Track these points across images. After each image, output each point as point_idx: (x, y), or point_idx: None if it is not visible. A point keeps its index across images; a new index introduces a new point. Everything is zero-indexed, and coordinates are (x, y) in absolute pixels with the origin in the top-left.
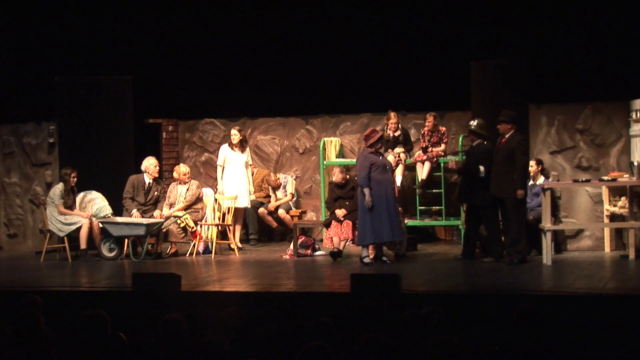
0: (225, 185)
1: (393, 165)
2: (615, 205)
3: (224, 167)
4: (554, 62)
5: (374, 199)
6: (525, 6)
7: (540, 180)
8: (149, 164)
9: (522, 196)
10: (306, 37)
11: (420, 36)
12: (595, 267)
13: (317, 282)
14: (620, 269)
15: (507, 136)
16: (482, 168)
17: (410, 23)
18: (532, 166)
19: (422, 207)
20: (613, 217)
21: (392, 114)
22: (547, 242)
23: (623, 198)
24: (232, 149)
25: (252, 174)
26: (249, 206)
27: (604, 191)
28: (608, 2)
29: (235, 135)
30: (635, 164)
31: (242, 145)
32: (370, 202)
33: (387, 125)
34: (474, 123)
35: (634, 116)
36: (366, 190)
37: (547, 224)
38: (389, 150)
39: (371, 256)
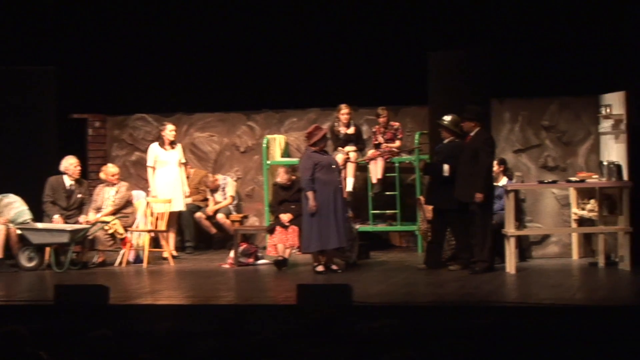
0: (157, 188)
1: (341, 164)
2: (583, 209)
3: (155, 168)
4: (518, 53)
5: (320, 202)
6: None
7: (503, 181)
8: (69, 164)
9: (481, 200)
10: (247, 23)
11: (373, 24)
12: (563, 275)
13: (260, 294)
14: (589, 277)
15: (472, 135)
16: (446, 167)
17: (362, 9)
18: (495, 166)
19: (375, 211)
20: (581, 221)
21: (344, 106)
22: (510, 249)
23: (592, 201)
24: (163, 147)
25: (188, 175)
26: (185, 210)
27: (572, 193)
28: None
29: (172, 131)
30: (605, 163)
31: (172, 142)
32: (314, 207)
33: (339, 119)
34: (447, 119)
35: (603, 112)
36: (309, 194)
37: (510, 229)
38: (339, 148)
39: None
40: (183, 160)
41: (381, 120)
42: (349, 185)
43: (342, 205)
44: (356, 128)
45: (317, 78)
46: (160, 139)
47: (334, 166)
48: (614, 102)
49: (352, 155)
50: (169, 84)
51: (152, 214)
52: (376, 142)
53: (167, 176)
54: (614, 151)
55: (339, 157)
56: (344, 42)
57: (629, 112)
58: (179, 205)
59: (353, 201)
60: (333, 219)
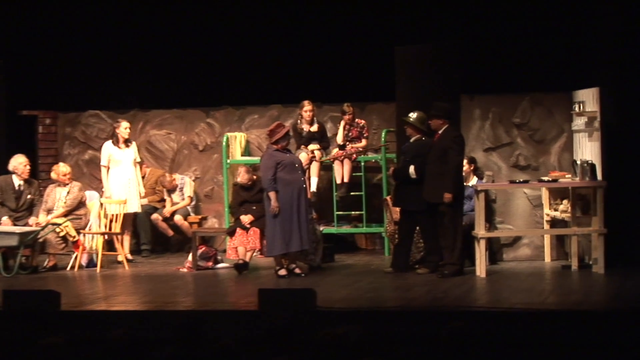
0: (112, 188)
1: (305, 164)
2: (556, 210)
3: (109, 168)
4: (489, 47)
5: (282, 203)
6: None
7: (473, 181)
8: (18, 163)
9: (450, 200)
10: (205, 15)
11: (338, 16)
12: (535, 279)
13: (220, 299)
14: (562, 281)
15: (440, 132)
16: (412, 168)
17: (326, 3)
18: (464, 165)
19: (340, 212)
20: (554, 222)
21: (307, 102)
22: (480, 252)
23: (565, 201)
24: (117, 145)
25: (144, 175)
26: (140, 211)
27: (544, 193)
28: None
29: (126, 128)
30: (579, 162)
31: (127, 141)
32: (277, 208)
33: (302, 116)
34: (413, 115)
35: (576, 109)
36: (272, 195)
37: (480, 230)
38: (302, 146)
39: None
40: (138, 159)
41: (347, 117)
42: (313, 186)
43: (305, 206)
44: (320, 125)
45: (279, 73)
46: (114, 137)
47: (297, 165)
48: (587, 99)
49: (316, 154)
50: (123, 79)
51: (105, 216)
52: (342, 143)
53: (122, 176)
54: (587, 150)
55: (302, 156)
56: (307, 35)
57: (602, 109)
58: (134, 207)
59: (317, 202)
60: (296, 220)
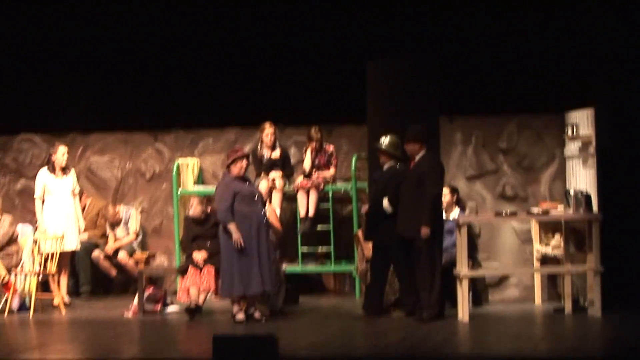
0: (47, 222)
1: (265, 194)
2: (547, 245)
3: (44, 199)
4: (471, 63)
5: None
6: None
7: (455, 213)
8: None
9: (428, 235)
10: (153, 27)
11: (303, 27)
12: (524, 323)
13: (169, 347)
14: (554, 325)
15: (416, 159)
16: (385, 202)
17: (289, 12)
18: (445, 195)
19: (305, 249)
20: (545, 260)
21: (268, 125)
22: (462, 293)
23: (557, 236)
24: (53, 173)
25: (84, 207)
26: (79, 248)
27: (534, 227)
28: None
29: (64, 154)
30: (572, 192)
31: (64, 168)
32: (240, 240)
33: (262, 140)
34: (384, 141)
35: (569, 133)
36: (231, 226)
37: (463, 269)
38: (263, 174)
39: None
40: (77, 189)
41: (314, 144)
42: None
43: (266, 242)
44: (282, 151)
45: (236, 91)
46: (50, 164)
47: (256, 197)
48: (581, 121)
49: (278, 182)
50: (60, 97)
51: (40, 253)
52: (306, 172)
53: (59, 208)
54: (581, 178)
55: (263, 185)
56: (269, 49)
57: (597, 132)
58: (73, 243)
59: (279, 237)
60: (256, 258)
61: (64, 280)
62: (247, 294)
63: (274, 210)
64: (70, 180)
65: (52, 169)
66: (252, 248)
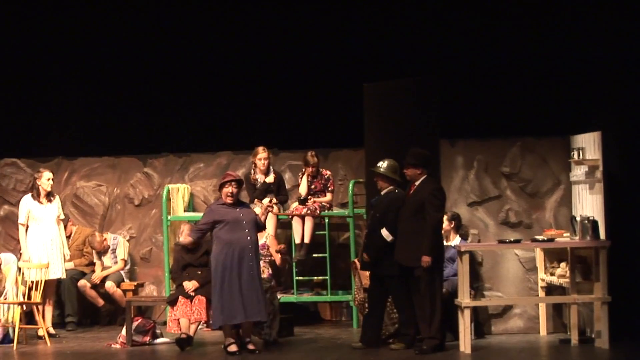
0: (31, 250)
1: (261, 214)
2: (552, 274)
3: (28, 226)
4: (472, 84)
5: (222, 267)
6: (436, 12)
7: (456, 241)
8: None
9: (428, 264)
10: (143, 47)
11: (296, 49)
12: (528, 355)
13: None
14: (560, 358)
15: (416, 184)
16: (384, 232)
17: (283, 34)
18: (445, 222)
19: (299, 278)
20: (550, 289)
21: (262, 149)
22: (464, 323)
23: (563, 264)
24: (38, 200)
25: (70, 234)
26: (65, 277)
27: (539, 255)
28: (541, 11)
29: (49, 179)
30: (578, 219)
31: (49, 194)
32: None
33: (255, 165)
34: (383, 165)
35: (575, 156)
36: (185, 241)
37: (464, 298)
38: (256, 200)
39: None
40: (62, 216)
41: (310, 169)
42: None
43: (250, 270)
44: (277, 176)
45: (228, 115)
46: (34, 190)
47: (244, 222)
48: (588, 145)
49: (273, 208)
50: (46, 121)
51: (24, 283)
52: (302, 197)
53: (43, 235)
54: (588, 204)
55: (257, 211)
56: (261, 70)
57: (605, 156)
58: (58, 272)
59: (273, 265)
60: (237, 287)
61: (48, 310)
62: (226, 324)
63: (275, 240)
64: (55, 207)
65: (37, 195)
66: (232, 276)
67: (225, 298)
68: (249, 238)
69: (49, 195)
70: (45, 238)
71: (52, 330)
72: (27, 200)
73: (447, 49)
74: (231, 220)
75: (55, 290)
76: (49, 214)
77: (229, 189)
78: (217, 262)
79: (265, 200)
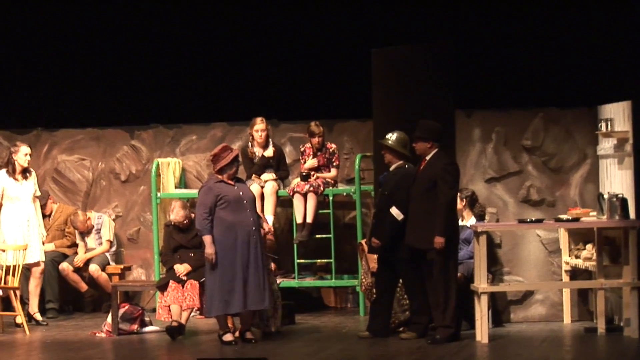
0: (5, 231)
1: (258, 197)
2: (578, 257)
3: (2, 205)
4: (491, 50)
5: (223, 251)
6: None
7: (471, 220)
8: None
9: (442, 246)
10: (131, 15)
11: (299, 11)
12: (551, 345)
13: None
14: (585, 347)
15: (427, 159)
16: (395, 211)
17: None
18: (459, 201)
19: (301, 261)
20: (575, 273)
21: (260, 120)
22: (482, 310)
23: (589, 246)
24: (13, 176)
25: (50, 212)
26: (44, 260)
27: (563, 236)
28: None
29: (26, 154)
30: (606, 196)
31: (25, 170)
32: (213, 255)
33: (253, 137)
34: (392, 137)
35: (603, 128)
36: (207, 239)
37: (481, 284)
38: (254, 176)
39: (234, 331)
40: (37, 193)
41: (315, 140)
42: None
43: (256, 256)
44: (276, 149)
45: (223, 83)
46: (10, 165)
47: (245, 202)
48: (617, 116)
49: (271, 185)
50: (25, 91)
51: (0, 266)
52: (304, 173)
53: (19, 216)
54: (617, 180)
55: (255, 188)
56: (259, 35)
57: (635, 128)
58: (36, 255)
59: (273, 247)
60: (240, 274)
61: (35, 296)
62: (228, 314)
63: (264, 219)
64: (32, 184)
65: (12, 172)
66: (236, 262)
67: (225, 284)
68: (252, 219)
69: (25, 172)
70: (22, 218)
71: (38, 317)
72: (2, 176)
73: (462, 11)
74: (232, 199)
75: (41, 274)
76: (25, 192)
77: (235, 165)
78: (216, 245)
79: (264, 176)
